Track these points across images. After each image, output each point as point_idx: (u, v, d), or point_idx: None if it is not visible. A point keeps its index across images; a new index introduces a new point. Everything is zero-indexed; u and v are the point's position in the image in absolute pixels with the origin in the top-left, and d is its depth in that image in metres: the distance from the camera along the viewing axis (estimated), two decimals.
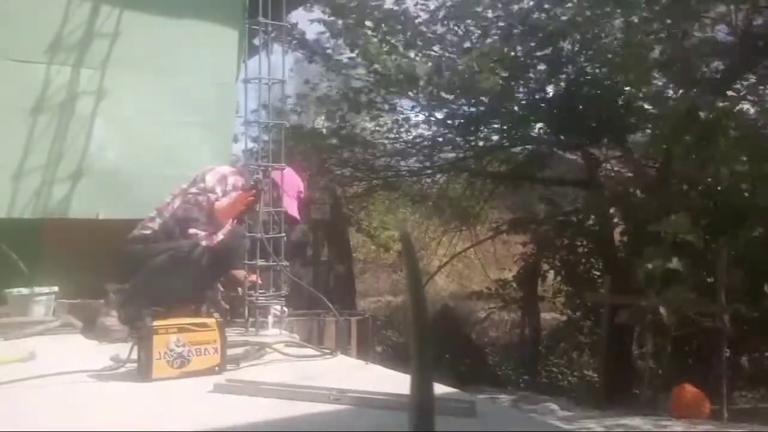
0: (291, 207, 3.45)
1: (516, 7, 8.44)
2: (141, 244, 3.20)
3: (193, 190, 3.29)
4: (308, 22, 8.84)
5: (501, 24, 8.49)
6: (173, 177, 3.68)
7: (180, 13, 4.16)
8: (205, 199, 3.24)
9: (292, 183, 3.52)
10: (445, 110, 9.23)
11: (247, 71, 3.76)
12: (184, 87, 4.14)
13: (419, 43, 8.55)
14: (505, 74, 7.88)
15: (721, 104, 6.97)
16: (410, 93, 8.95)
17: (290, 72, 10.18)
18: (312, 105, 10.10)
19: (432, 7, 8.68)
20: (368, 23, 8.32)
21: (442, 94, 8.65)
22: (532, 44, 8.25)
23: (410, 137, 10.23)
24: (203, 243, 3.14)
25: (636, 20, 7.47)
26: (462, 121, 9.10)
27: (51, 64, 3.82)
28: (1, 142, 3.71)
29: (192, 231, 3.18)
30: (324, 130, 9.85)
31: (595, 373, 8.83)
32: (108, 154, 3.93)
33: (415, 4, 8.65)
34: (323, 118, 9.95)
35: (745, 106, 7.75)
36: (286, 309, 3.42)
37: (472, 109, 8.92)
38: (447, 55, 8.82)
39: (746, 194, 6.81)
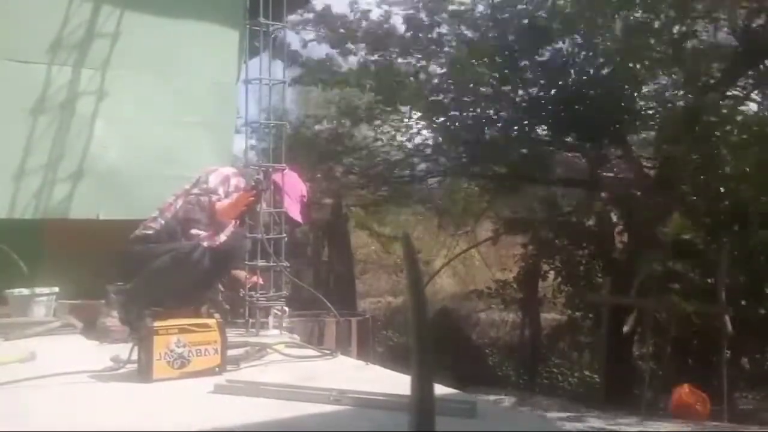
0: (293, 210, 3.45)
1: (516, 7, 8.43)
2: (143, 244, 3.20)
3: (195, 190, 3.30)
4: (297, 34, 8.81)
5: (500, 24, 8.48)
6: (173, 177, 3.69)
7: (181, 13, 4.16)
8: (206, 199, 3.25)
9: (294, 186, 3.53)
10: (443, 116, 9.23)
11: (248, 72, 3.76)
12: (184, 87, 4.14)
13: (411, 51, 8.57)
14: (497, 74, 7.88)
15: (721, 105, 6.97)
16: (407, 105, 8.96)
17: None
18: (313, 110, 10.11)
19: (425, 14, 8.66)
20: (359, 35, 8.34)
21: (440, 98, 8.66)
22: (532, 45, 8.24)
23: (412, 143, 10.23)
24: (205, 243, 3.15)
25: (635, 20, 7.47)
26: (462, 124, 9.09)
27: (51, 65, 3.82)
28: (1, 142, 3.72)
29: (194, 231, 3.19)
30: (325, 138, 9.84)
31: (595, 373, 8.83)
32: (108, 155, 3.93)
33: (411, 11, 8.64)
34: (324, 124, 9.95)
35: (747, 106, 7.76)
36: (286, 309, 3.42)
37: (472, 112, 8.92)
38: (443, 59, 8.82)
39: (746, 195, 6.81)
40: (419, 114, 9.45)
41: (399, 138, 10.08)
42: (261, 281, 3.33)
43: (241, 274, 3.42)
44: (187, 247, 3.13)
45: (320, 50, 9.12)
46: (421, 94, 8.40)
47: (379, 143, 10.08)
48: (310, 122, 9.89)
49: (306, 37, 8.86)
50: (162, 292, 3.06)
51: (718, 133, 6.77)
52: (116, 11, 3.96)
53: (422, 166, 10.31)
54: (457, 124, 8.86)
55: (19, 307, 3.39)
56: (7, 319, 3.30)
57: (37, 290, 3.44)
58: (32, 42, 3.80)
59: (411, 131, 9.98)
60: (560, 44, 8.20)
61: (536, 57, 8.32)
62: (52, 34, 3.82)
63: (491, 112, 8.87)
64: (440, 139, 9.39)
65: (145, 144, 4.02)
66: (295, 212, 3.47)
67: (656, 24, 7.40)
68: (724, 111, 6.92)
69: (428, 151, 9.98)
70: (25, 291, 3.42)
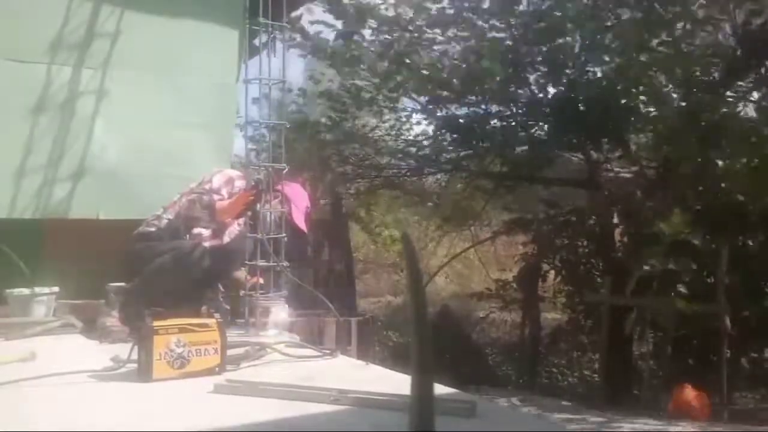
0: (299, 220, 3.47)
1: (518, 7, 8.42)
2: (145, 241, 3.21)
3: (198, 190, 3.31)
4: (310, 20, 8.80)
5: (502, 24, 8.47)
6: (173, 177, 3.70)
7: (181, 13, 4.16)
8: (208, 199, 3.26)
9: (299, 197, 3.55)
10: (446, 110, 9.22)
11: (248, 71, 3.77)
12: (184, 87, 4.15)
13: (419, 40, 8.54)
14: (508, 70, 7.86)
15: (721, 105, 6.96)
16: (412, 94, 8.94)
17: (304, 71, 10.19)
18: (315, 101, 10.07)
19: (433, 10, 8.64)
20: (370, 23, 8.32)
21: (444, 92, 8.65)
22: (534, 44, 8.24)
23: (411, 136, 10.21)
24: (207, 243, 3.15)
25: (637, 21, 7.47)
26: (463, 120, 9.09)
27: (52, 64, 3.83)
28: (1, 142, 3.72)
29: (196, 231, 3.19)
30: (325, 127, 9.81)
31: (595, 373, 8.83)
32: (108, 155, 3.94)
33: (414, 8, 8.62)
34: (325, 117, 9.92)
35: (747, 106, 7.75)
36: (287, 308, 3.42)
37: (474, 109, 8.92)
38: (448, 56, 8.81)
39: (745, 196, 6.81)
40: (421, 107, 9.45)
41: (399, 129, 10.07)
42: (261, 281, 3.34)
43: (242, 273, 3.43)
44: (189, 246, 3.13)
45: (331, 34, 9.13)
46: (427, 83, 8.38)
47: (379, 133, 10.07)
48: (313, 112, 9.88)
49: (315, 25, 8.85)
50: (163, 292, 3.06)
51: (717, 133, 6.77)
52: (116, 11, 3.97)
53: (421, 159, 10.30)
54: (461, 120, 8.87)
55: (19, 307, 3.39)
56: (7, 319, 3.30)
57: (37, 290, 3.44)
58: (32, 42, 3.81)
59: (411, 122, 9.98)
60: (562, 43, 8.19)
61: (539, 55, 8.32)
62: (52, 34, 3.82)
63: (493, 108, 8.87)
64: (441, 131, 9.38)
65: (145, 144, 4.03)
66: (301, 222, 3.49)
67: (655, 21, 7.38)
68: (724, 111, 6.91)
69: (427, 143, 9.97)
70: (25, 291, 3.42)
